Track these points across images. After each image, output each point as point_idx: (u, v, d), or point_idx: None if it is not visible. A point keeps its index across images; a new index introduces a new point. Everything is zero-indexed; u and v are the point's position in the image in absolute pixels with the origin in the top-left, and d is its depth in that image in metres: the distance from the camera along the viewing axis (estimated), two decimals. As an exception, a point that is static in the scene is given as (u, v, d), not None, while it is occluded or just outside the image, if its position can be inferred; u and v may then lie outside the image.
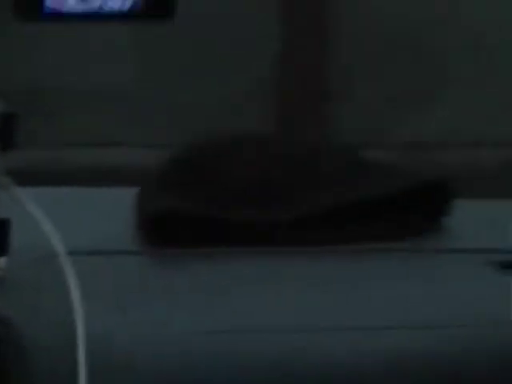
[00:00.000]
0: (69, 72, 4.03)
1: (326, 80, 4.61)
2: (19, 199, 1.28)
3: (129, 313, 1.28)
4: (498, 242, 1.56)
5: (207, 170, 1.55)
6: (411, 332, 1.34)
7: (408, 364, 1.27)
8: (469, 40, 4.80)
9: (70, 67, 4.05)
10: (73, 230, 1.34)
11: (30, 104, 3.71)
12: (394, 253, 1.55)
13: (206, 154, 1.59)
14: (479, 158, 3.79)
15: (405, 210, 1.59)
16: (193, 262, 1.46)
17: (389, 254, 1.54)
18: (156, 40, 4.09)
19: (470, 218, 1.63)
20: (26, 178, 1.36)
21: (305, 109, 4.68)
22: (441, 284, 1.49)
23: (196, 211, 1.47)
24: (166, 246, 1.46)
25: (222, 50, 4.57)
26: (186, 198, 1.50)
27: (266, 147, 1.69)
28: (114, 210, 1.59)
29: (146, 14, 1.08)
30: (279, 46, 4.47)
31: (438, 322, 1.37)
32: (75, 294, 1.20)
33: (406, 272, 1.52)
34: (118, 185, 1.78)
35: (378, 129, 3.35)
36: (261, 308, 1.35)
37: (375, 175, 1.63)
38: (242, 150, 1.64)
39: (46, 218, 1.27)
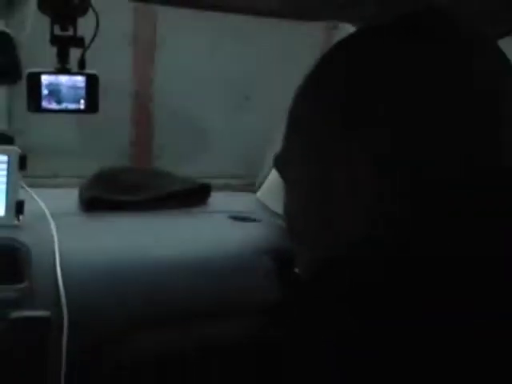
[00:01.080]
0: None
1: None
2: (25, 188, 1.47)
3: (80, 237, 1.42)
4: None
5: (113, 178, 1.68)
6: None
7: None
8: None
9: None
10: (58, 205, 1.50)
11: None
12: (181, 211, 1.66)
13: (113, 172, 1.72)
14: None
15: (187, 195, 1.72)
16: (107, 218, 1.57)
17: (183, 213, 1.66)
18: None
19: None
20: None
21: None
22: (200, 223, 1.64)
23: (105, 197, 1.61)
24: (96, 211, 1.57)
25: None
26: (102, 190, 1.63)
27: (136, 171, 1.84)
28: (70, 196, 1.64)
29: (87, 110, 1.22)
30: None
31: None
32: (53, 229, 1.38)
33: (189, 217, 1.66)
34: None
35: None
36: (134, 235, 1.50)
37: (174, 182, 1.75)
38: (130, 170, 1.83)
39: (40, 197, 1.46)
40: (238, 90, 4.90)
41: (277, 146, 1.61)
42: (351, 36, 0.55)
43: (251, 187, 1.85)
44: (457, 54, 0.49)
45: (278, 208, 1.66)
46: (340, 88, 0.51)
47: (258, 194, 1.80)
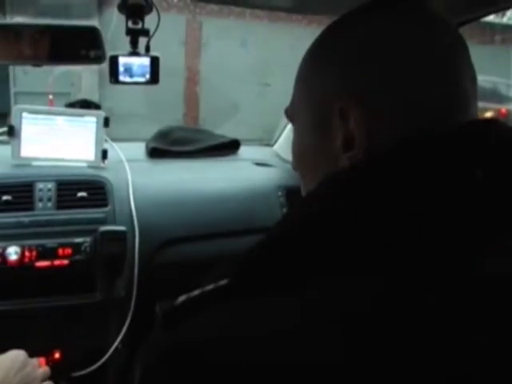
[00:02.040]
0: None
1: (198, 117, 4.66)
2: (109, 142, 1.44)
3: (146, 176, 1.38)
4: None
5: (169, 135, 1.62)
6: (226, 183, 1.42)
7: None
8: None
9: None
10: (130, 153, 1.45)
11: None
12: (217, 158, 1.59)
13: (169, 130, 1.65)
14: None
15: (223, 147, 1.64)
16: (164, 162, 1.51)
17: (219, 160, 1.58)
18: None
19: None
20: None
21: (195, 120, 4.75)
22: (232, 167, 1.57)
23: (163, 147, 1.56)
24: (157, 158, 1.53)
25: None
26: (161, 143, 1.58)
27: (186, 130, 1.73)
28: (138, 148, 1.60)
29: (151, 82, 1.17)
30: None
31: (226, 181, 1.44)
32: (128, 170, 1.35)
33: (224, 162, 1.58)
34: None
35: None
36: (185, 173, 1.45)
37: (215, 138, 1.69)
38: (180, 129, 1.71)
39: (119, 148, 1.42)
40: (260, 77, 4.89)
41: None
42: (349, 13, 0.50)
43: (267, 143, 1.83)
44: (424, 28, 0.45)
45: (288, 157, 1.62)
46: (337, 58, 0.47)
47: (274, 147, 1.75)
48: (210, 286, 0.39)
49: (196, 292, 0.39)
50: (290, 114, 0.55)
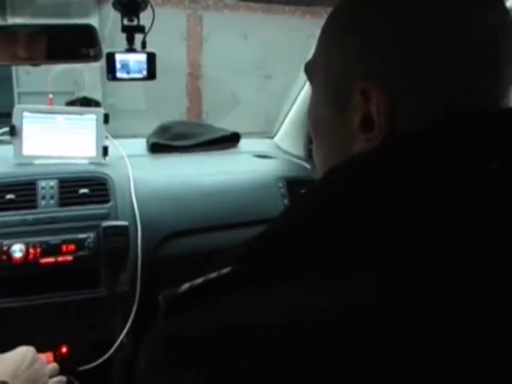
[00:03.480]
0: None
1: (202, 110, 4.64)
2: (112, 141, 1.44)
3: (147, 171, 1.40)
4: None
5: (169, 129, 1.63)
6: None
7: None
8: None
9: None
10: (131, 149, 1.47)
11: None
12: (218, 152, 1.62)
13: (170, 125, 1.66)
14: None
15: (223, 141, 1.65)
16: (165, 157, 1.54)
17: (220, 153, 1.61)
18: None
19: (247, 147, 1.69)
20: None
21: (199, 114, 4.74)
22: (232, 159, 1.60)
23: (164, 142, 1.58)
24: (157, 153, 1.55)
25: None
26: (162, 138, 1.60)
27: (186, 124, 1.76)
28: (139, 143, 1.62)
29: (148, 78, 1.18)
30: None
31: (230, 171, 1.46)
32: (128, 165, 1.36)
33: (224, 155, 1.62)
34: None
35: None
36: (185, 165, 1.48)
37: (215, 131, 1.69)
38: (181, 123, 1.73)
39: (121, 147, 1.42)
40: (261, 69, 4.89)
41: (287, 107, 1.60)
42: None
43: (269, 135, 1.83)
44: (464, 8, 0.41)
45: (288, 148, 1.63)
46: (361, 38, 0.43)
47: (275, 139, 1.75)
48: (214, 275, 0.38)
49: (199, 280, 0.39)
50: (310, 71, 0.52)
